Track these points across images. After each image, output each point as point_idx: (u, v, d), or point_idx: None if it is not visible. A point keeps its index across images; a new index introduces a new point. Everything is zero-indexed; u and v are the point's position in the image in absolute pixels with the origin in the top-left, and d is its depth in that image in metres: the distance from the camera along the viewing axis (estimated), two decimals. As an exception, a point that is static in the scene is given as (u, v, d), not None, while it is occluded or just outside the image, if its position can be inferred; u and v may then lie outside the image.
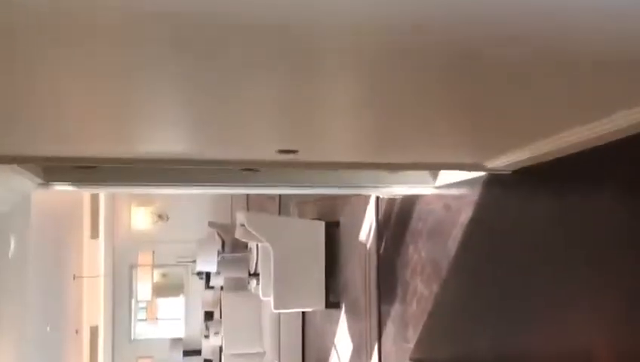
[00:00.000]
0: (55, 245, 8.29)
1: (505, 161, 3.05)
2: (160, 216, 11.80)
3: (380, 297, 5.11)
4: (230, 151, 2.67)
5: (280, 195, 9.07)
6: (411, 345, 4.44)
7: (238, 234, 6.92)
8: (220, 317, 9.58)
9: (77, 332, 8.82)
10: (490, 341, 3.36)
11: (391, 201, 4.81)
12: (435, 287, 4.02)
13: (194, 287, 11.47)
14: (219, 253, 9.72)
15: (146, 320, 12.54)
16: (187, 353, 11.22)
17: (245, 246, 9.78)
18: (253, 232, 6.17)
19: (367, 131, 2.45)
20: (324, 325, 6.78)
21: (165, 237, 11.20)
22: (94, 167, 3.32)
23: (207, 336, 10.15)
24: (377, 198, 5.11)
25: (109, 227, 10.32)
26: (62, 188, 3.52)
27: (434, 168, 3.51)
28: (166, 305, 12.63)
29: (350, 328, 5.88)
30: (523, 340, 3.07)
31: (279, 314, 7.69)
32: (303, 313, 7.69)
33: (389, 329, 4.91)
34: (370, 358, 5.21)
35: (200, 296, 11.46)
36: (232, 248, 10.27)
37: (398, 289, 4.69)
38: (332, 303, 6.20)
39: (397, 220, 4.74)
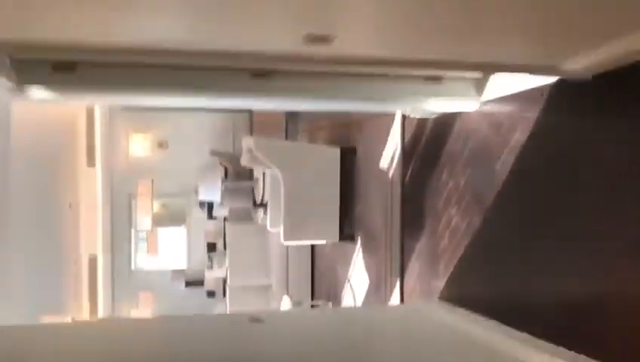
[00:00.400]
0: (47, 171, 7.77)
1: (584, 63, 2.45)
2: (160, 144, 11.22)
3: (403, 229, 4.60)
4: (242, 38, 2.05)
5: (287, 122, 8.45)
6: (440, 283, 3.96)
7: (245, 161, 6.37)
8: (225, 249, 9.18)
9: (76, 262, 8.44)
10: (545, 283, 2.86)
11: (421, 122, 4.22)
12: (476, 219, 3.49)
13: (195, 218, 11.06)
14: (222, 182, 9.20)
15: (146, 252, 12.19)
16: (189, 284, 10.92)
17: (250, 175, 9.24)
18: (262, 158, 5.61)
19: (424, 11, 1.83)
20: (337, 259, 6.34)
21: (165, 166, 10.66)
22: (73, 69, 2.73)
23: (210, 268, 9.79)
24: (404, 119, 4.52)
25: (107, 155, 9.76)
26: (39, 95, 2.92)
27: (495, 70, 2.90)
28: (167, 236, 12.24)
29: (367, 263, 5.42)
30: (587, 283, 2.57)
31: (287, 246, 7.25)
32: (313, 246, 7.24)
33: (413, 265, 4.43)
34: (391, 295, 4.77)
35: (202, 227, 11.06)
36: (236, 177, 9.75)
37: (426, 221, 4.17)
38: (346, 235, 5.72)
39: (428, 143, 4.17)
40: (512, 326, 2.94)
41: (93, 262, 9.74)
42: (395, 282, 4.67)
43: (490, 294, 3.39)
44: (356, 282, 5.66)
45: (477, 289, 3.57)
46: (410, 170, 4.50)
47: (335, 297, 6.27)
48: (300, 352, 2.76)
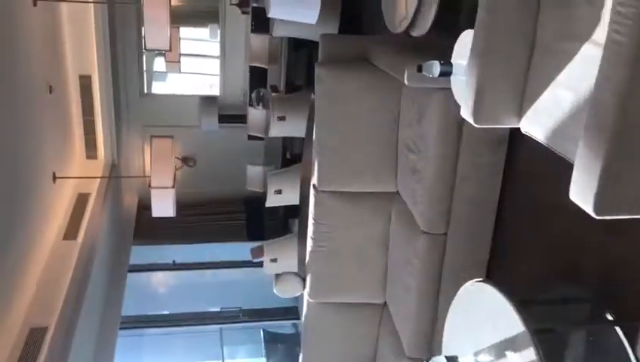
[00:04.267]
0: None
1: None
2: None
3: None
4: None
5: None
6: None
7: None
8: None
9: (51, 89, 5.34)
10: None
11: None
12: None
13: (233, 25, 7.65)
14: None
15: (165, 62, 8.83)
16: (225, 118, 7.88)
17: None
18: None
19: None
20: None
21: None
22: None
23: (252, 105, 6.65)
24: None
25: None
26: None
27: None
28: (192, 45, 8.88)
29: None
30: None
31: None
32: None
33: None
34: None
35: (243, 41, 7.67)
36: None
37: None
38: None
39: None
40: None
41: (86, 86, 6.61)
42: None
43: None
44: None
45: None
46: None
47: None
48: None
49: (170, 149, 5.63)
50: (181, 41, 8.73)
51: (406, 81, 2.56)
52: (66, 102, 6.47)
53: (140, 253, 7.58)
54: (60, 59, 6.18)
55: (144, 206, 7.93)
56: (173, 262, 8.09)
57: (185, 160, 8.15)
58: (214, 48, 8.22)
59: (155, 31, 4.78)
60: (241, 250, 7.65)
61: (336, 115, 3.22)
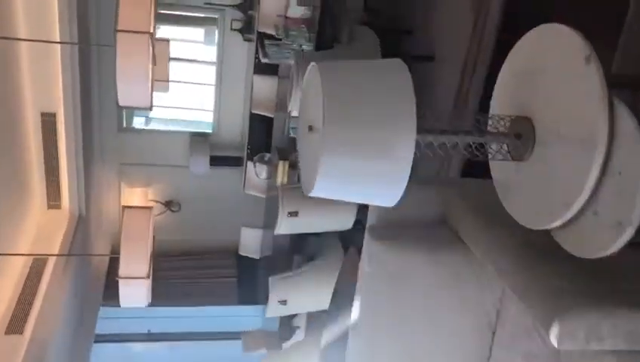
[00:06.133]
0: None
1: None
2: None
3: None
4: None
5: None
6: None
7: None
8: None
9: None
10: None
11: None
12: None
13: (231, 52, 6.42)
14: None
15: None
16: (218, 160, 6.67)
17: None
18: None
19: None
20: None
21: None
22: None
23: (252, 161, 5.44)
24: None
25: None
26: None
27: None
28: (182, 68, 7.63)
29: None
30: None
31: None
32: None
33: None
34: None
35: (242, 77, 6.46)
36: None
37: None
38: None
39: None
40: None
41: (49, 124, 5.37)
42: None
43: None
44: None
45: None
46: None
47: None
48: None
49: (147, 223, 4.43)
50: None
51: (555, 343, 1.41)
52: (23, 144, 5.24)
53: (109, 319, 6.33)
54: (16, 94, 4.94)
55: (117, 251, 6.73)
56: (148, 331, 6.85)
57: (168, 204, 6.94)
58: (210, 71, 6.98)
59: (130, 87, 3.58)
60: (231, 316, 6.49)
61: (393, 312, 2.06)
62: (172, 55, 7.12)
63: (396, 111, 1.37)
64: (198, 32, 9.51)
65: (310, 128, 1.48)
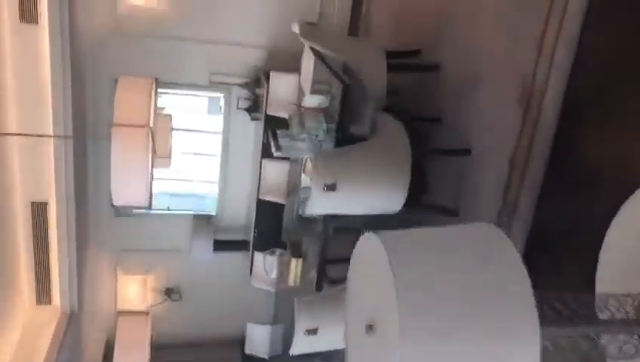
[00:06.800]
0: None
1: None
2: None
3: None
4: None
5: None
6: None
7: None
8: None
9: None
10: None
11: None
12: None
13: (237, 128, 6.08)
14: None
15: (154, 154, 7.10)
16: (222, 245, 6.20)
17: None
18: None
19: None
20: None
21: (189, 30, 5.50)
22: None
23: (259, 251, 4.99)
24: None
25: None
26: None
27: None
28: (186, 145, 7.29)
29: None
30: None
31: None
32: None
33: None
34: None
35: (249, 152, 6.08)
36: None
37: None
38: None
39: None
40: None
41: (39, 214, 4.94)
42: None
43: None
44: None
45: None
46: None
47: None
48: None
49: (144, 331, 3.92)
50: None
51: None
52: (10, 235, 4.80)
53: None
54: (3, 182, 4.54)
55: (112, 348, 6.18)
56: None
57: (168, 292, 6.43)
58: (214, 142, 6.59)
59: (126, 186, 3.17)
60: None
61: None
62: (174, 124, 6.77)
63: (512, 316, 0.92)
64: (201, 101, 9.20)
65: (370, 328, 1.03)
